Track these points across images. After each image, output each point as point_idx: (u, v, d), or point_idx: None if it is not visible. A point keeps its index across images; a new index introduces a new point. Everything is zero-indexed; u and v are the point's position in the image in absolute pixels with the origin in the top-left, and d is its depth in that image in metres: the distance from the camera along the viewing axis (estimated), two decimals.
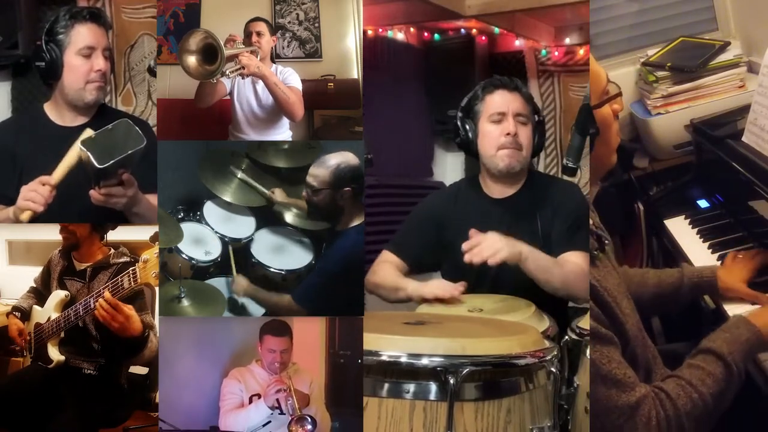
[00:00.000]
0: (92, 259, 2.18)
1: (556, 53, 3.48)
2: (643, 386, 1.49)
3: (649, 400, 1.47)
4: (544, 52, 3.50)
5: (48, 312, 2.14)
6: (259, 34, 2.43)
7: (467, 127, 2.27)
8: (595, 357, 1.47)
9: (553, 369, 1.55)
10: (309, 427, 1.88)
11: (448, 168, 3.78)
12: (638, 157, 2.88)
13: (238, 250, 2.35)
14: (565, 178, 2.11)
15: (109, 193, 1.84)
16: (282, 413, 1.92)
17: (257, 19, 2.46)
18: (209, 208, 2.41)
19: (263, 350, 2.03)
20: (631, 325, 1.61)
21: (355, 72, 2.67)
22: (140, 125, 1.88)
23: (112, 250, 2.18)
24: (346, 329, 2.14)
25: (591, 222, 1.70)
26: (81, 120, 2.07)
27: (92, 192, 1.83)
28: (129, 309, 1.95)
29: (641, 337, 1.67)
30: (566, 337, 1.76)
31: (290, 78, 2.45)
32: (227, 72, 2.31)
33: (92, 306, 2.00)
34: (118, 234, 2.21)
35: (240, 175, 2.42)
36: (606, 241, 1.70)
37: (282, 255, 2.36)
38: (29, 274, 2.35)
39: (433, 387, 1.44)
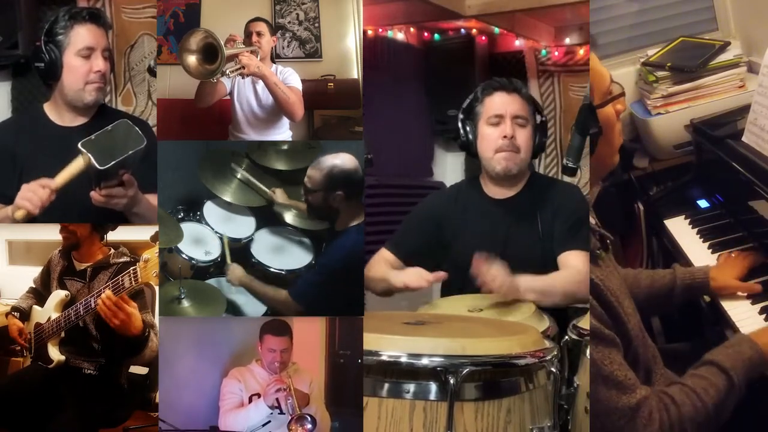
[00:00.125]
0: (92, 259, 2.18)
1: (556, 53, 3.48)
2: (644, 388, 1.50)
3: (650, 402, 1.47)
4: (544, 52, 3.50)
5: (48, 312, 2.14)
6: (259, 34, 2.43)
7: (468, 129, 2.28)
8: (596, 358, 1.47)
9: (553, 369, 1.55)
10: (309, 426, 1.88)
11: (448, 168, 3.78)
12: (638, 157, 2.88)
13: (236, 250, 2.35)
14: (565, 178, 2.12)
15: (110, 194, 1.84)
16: (282, 413, 1.92)
17: (257, 19, 2.46)
18: (209, 208, 2.41)
19: (263, 350, 2.03)
20: (633, 325, 1.61)
21: (355, 72, 2.67)
22: (140, 125, 1.88)
23: (112, 250, 2.18)
24: (346, 329, 2.14)
25: (594, 221, 1.70)
26: (81, 120, 2.07)
27: (93, 193, 1.83)
28: (132, 307, 1.95)
29: (642, 336, 1.67)
30: (566, 337, 1.76)
31: (290, 78, 2.45)
32: (227, 72, 2.31)
33: (93, 306, 2.00)
34: (118, 234, 2.21)
35: (240, 175, 2.41)
36: (608, 241, 1.70)
37: (282, 255, 2.36)
38: (29, 274, 2.35)
39: (433, 387, 1.44)
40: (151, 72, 2.65)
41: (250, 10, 2.53)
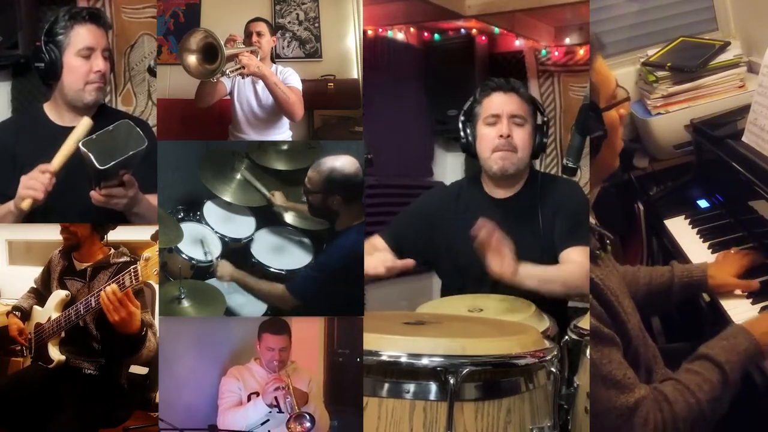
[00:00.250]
0: (92, 259, 2.18)
1: (556, 53, 3.48)
2: (643, 387, 1.50)
3: (648, 401, 1.47)
4: (544, 52, 3.50)
5: (48, 312, 2.15)
6: (259, 34, 2.43)
7: (467, 130, 2.28)
8: (595, 357, 1.47)
9: (553, 369, 1.55)
10: (307, 424, 1.88)
11: (448, 168, 3.78)
12: (638, 157, 2.88)
13: (236, 250, 2.35)
14: (566, 177, 2.12)
15: (110, 194, 1.84)
16: (280, 411, 1.92)
17: (257, 19, 2.46)
18: (209, 208, 2.41)
19: (262, 348, 2.03)
20: (632, 325, 1.61)
21: (355, 72, 2.67)
22: (140, 126, 1.88)
23: (113, 250, 2.18)
24: (345, 328, 2.14)
25: (593, 221, 1.70)
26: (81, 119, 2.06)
27: (93, 193, 1.84)
28: (135, 306, 1.94)
29: (642, 336, 1.68)
30: (566, 337, 1.76)
31: (290, 78, 2.45)
32: (227, 71, 2.31)
33: (93, 305, 2.00)
34: (119, 234, 2.21)
35: (239, 175, 2.41)
36: (608, 241, 1.70)
37: (282, 255, 2.36)
38: (29, 274, 2.35)
39: (433, 387, 1.44)
40: (151, 72, 2.65)
41: (250, 10, 2.53)
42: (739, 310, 1.91)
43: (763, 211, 2.12)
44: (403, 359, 1.44)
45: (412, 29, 3.56)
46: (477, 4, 3.13)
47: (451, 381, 1.41)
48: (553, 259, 2.14)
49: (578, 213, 2.12)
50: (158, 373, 2.03)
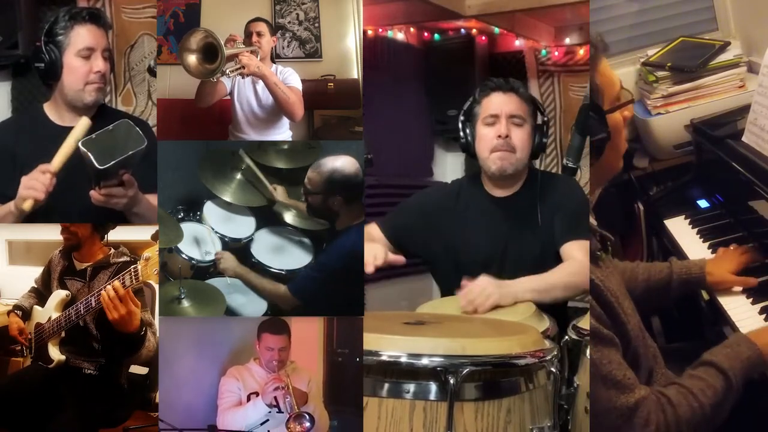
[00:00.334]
0: (92, 259, 2.18)
1: (556, 53, 3.48)
2: (643, 388, 1.50)
3: (648, 402, 1.47)
4: (544, 52, 3.50)
5: (49, 312, 2.15)
6: (259, 34, 2.43)
7: (467, 131, 2.28)
8: (595, 357, 1.47)
9: (553, 369, 1.55)
10: (307, 424, 1.88)
11: (448, 168, 3.78)
12: (638, 157, 2.88)
13: (236, 250, 2.34)
14: (564, 175, 2.12)
15: (110, 194, 1.84)
16: (280, 411, 1.92)
17: (257, 19, 2.46)
18: (209, 208, 2.41)
19: (261, 348, 2.03)
20: (632, 325, 1.61)
21: (355, 72, 2.67)
22: (140, 125, 1.88)
23: (113, 250, 2.18)
24: (344, 327, 2.14)
25: (594, 222, 1.70)
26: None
27: (92, 192, 1.84)
28: (136, 305, 1.94)
29: (642, 336, 1.67)
30: (566, 337, 1.76)
31: (290, 78, 2.45)
32: (227, 71, 2.31)
33: (93, 305, 2.00)
34: (119, 234, 2.21)
35: (245, 165, 2.40)
36: (609, 242, 1.70)
37: (282, 255, 2.36)
38: (29, 274, 2.35)
39: (433, 387, 1.44)
40: (151, 72, 2.65)
41: (250, 10, 2.53)
42: (739, 310, 1.91)
43: (763, 211, 2.12)
44: (403, 359, 1.44)
45: (412, 29, 3.56)
46: (477, 4, 3.13)
47: (451, 381, 1.41)
48: (552, 257, 2.14)
49: (578, 209, 2.12)
50: (158, 373, 2.03)
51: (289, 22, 2.69)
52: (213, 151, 2.44)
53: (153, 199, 2.02)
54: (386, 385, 1.46)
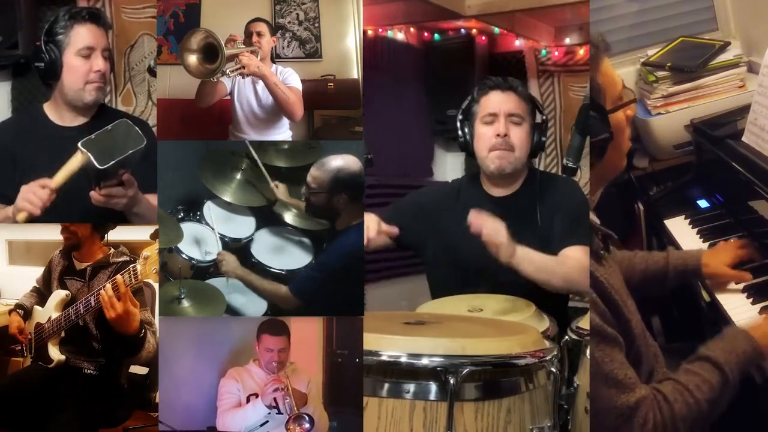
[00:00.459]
0: (92, 259, 2.18)
1: (556, 53, 3.48)
2: (644, 387, 1.50)
3: (648, 401, 1.47)
4: (544, 52, 3.50)
5: (49, 312, 2.15)
6: (259, 34, 2.43)
7: (465, 129, 2.28)
8: (597, 356, 1.47)
9: (553, 369, 1.55)
10: (307, 425, 1.88)
11: (448, 168, 3.78)
12: (638, 157, 2.88)
13: (236, 250, 2.34)
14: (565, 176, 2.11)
15: (110, 194, 1.84)
16: (279, 412, 1.92)
17: (257, 19, 2.46)
18: (209, 208, 2.41)
19: (261, 349, 2.03)
20: (635, 324, 1.61)
21: (355, 72, 2.67)
22: (140, 125, 1.88)
23: (112, 250, 2.18)
24: (344, 328, 2.14)
25: (597, 221, 1.70)
26: (81, 120, 2.07)
27: (92, 192, 1.83)
28: (134, 305, 1.94)
29: (644, 335, 1.68)
30: (566, 337, 1.76)
31: (290, 78, 2.45)
32: (227, 71, 2.31)
33: (93, 304, 2.00)
34: (119, 234, 2.21)
35: (245, 165, 2.40)
36: (611, 241, 1.70)
37: (282, 255, 2.36)
38: (29, 274, 2.35)
39: (433, 387, 1.44)
40: (151, 72, 2.65)
41: (250, 10, 2.53)
42: (739, 309, 1.91)
43: (763, 211, 2.12)
44: (403, 359, 1.44)
45: (412, 29, 3.56)
46: (477, 4, 3.13)
47: (451, 381, 1.41)
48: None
49: (577, 212, 2.12)
50: (158, 373, 2.03)
51: (289, 22, 2.69)
52: (213, 151, 2.44)
53: (153, 199, 2.01)
54: (386, 385, 1.46)
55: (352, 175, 2.09)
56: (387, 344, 1.47)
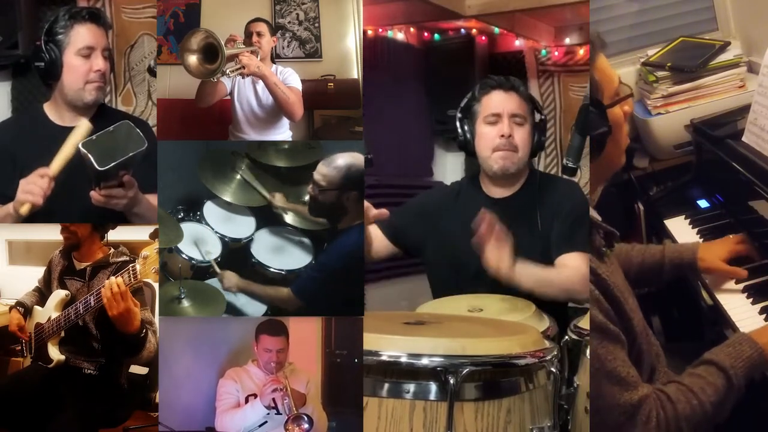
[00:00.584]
0: (92, 259, 2.18)
1: (556, 53, 3.48)
2: (646, 386, 1.50)
3: (650, 400, 1.47)
4: (544, 52, 3.50)
5: (48, 311, 2.15)
6: (259, 34, 2.43)
7: (465, 128, 2.28)
8: (600, 353, 1.47)
9: (553, 369, 1.55)
10: (306, 426, 1.88)
11: (448, 168, 3.78)
12: (638, 157, 2.88)
13: (236, 250, 2.35)
14: (565, 178, 2.11)
15: (110, 195, 1.84)
16: (278, 413, 1.92)
17: (257, 19, 2.46)
18: (209, 208, 2.41)
19: (259, 350, 2.03)
20: (637, 322, 1.61)
21: (355, 72, 2.67)
22: (140, 126, 1.88)
23: (112, 250, 2.19)
24: (343, 328, 2.14)
25: (599, 218, 1.70)
26: (80, 120, 2.06)
27: (93, 193, 1.83)
28: (135, 302, 1.94)
29: (646, 334, 1.68)
30: (566, 337, 1.76)
31: (290, 78, 2.45)
32: (228, 71, 2.32)
33: (92, 304, 2.00)
34: (118, 234, 2.21)
35: (240, 175, 2.41)
36: (613, 238, 1.70)
37: (282, 255, 2.36)
38: (29, 274, 2.36)
39: (433, 387, 1.44)
40: (151, 72, 2.65)
41: (250, 10, 2.53)
42: (739, 310, 1.91)
43: (763, 211, 2.12)
44: (403, 359, 1.44)
45: (412, 29, 3.56)
46: (477, 4, 3.12)
47: (451, 381, 1.41)
48: (551, 260, 2.13)
49: (577, 216, 2.11)
50: (158, 373, 2.03)
51: (289, 22, 2.69)
52: (213, 151, 2.44)
53: (153, 199, 2.01)
54: (386, 385, 1.46)
55: (360, 173, 2.09)
56: (387, 344, 1.47)
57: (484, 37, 3.57)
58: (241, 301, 2.23)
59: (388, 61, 3.46)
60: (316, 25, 2.70)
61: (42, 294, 2.26)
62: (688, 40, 2.84)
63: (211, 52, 2.26)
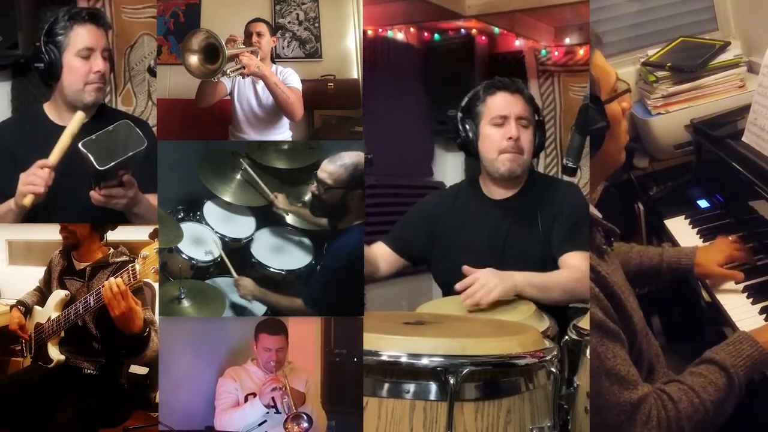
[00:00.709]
0: (92, 259, 2.18)
1: (556, 53, 3.48)
2: (646, 385, 1.50)
3: (650, 399, 1.47)
4: (544, 52, 3.50)
5: (48, 312, 2.15)
6: (259, 34, 2.43)
7: (467, 127, 2.27)
8: (600, 351, 1.47)
9: (553, 369, 1.55)
10: (305, 425, 1.88)
11: (448, 168, 3.78)
12: (638, 157, 2.88)
13: (236, 250, 2.35)
14: (565, 178, 2.12)
15: (110, 194, 1.84)
16: (278, 412, 1.92)
17: (257, 19, 2.46)
18: (209, 208, 2.41)
19: (259, 349, 2.03)
20: (637, 321, 1.61)
21: (355, 72, 2.67)
22: (140, 126, 1.88)
23: (112, 250, 2.19)
24: (342, 328, 2.14)
25: (599, 216, 1.70)
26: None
27: (92, 193, 1.84)
28: (136, 301, 1.94)
29: (645, 333, 1.68)
30: (566, 337, 1.76)
31: (290, 78, 2.45)
32: (228, 71, 2.32)
33: (92, 304, 2.00)
34: (118, 234, 2.21)
35: (241, 176, 2.41)
36: (613, 236, 1.70)
37: (282, 255, 2.36)
38: (29, 274, 2.36)
39: (433, 387, 1.44)
40: (151, 72, 2.65)
41: (250, 10, 2.53)
42: (739, 310, 1.91)
43: (763, 211, 2.12)
44: (403, 359, 1.44)
45: (412, 29, 3.56)
46: (477, 4, 3.12)
47: (451, 381, 1.41)
48: (551, 261, 2.14)
49: (577, 216, 2.11)
50: (158, 373, 2.03)
51: (289, 22, 2.69)
52: (213, 151, 2.44)
53: (153, 199, 2.02)
54: (386, 385, 1.46)
55: (362, 172, 2.09)
56: (387, 344, 1.47)
57: (484, 37, 3.57)
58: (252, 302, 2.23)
59: (388, 61, 3.46)
60: (316, 25, 2.70)
61: (43, 294, 2.26)
62: (688, 40, 2.84)
63: (212, 52, 2.26)
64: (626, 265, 2.00)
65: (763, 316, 1.86)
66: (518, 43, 3.53)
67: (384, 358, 1.45)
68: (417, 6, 3.26)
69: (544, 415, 1.53)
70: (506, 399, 1.47)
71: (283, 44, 2.68)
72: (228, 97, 2.49)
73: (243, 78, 2.43)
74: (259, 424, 1.92)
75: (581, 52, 3.40)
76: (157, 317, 2.12)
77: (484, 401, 1.45)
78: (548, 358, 1.54)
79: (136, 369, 2.23)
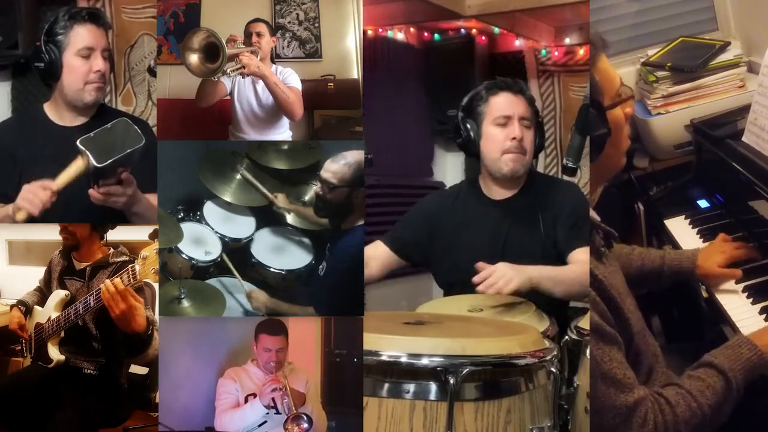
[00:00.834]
0: (92, 259, 2.18)
1: (556, 53, 3.48)
2: (642, 388, 1.50)
3: (647, 402, 1.47)
4: (544, 52, 3.50)
5: (48, 312, 2.15)
6: (259, 34, 2.43)
7: (468, 127, 2.26)
8: (596, 354, 1.47)
9: (553, 369, 1.55)
10: (305, 425, 1.88)
11: (448, 168, 3.78)
12: (638, 157, 2.88)
13: (236, 250, 2.34)
14: (565, 178, 2.11)
15: (108, 192, 1.84)
16: (278, 412, 1.92)
17: (257, 20, 2.46)
18: (209, 208, 2.41)
19: (259, 349, 2.03)
20: (634, 323, 1.61)
21: (355, 72, 2.67)
22: (139, 124, 1.88)
23: (112, 250, 2.19)
24: (342, 328, 2.14)
25: (598, 219, 1.70)
26: (80, 120, 2.07)
27: (91, 191, 1.83)
28: (137, 300, 1.94)
29: (643, 335, 1.68)
30: (566, 337, 1.76)
31: (290, 78, 2.45)
32: (228, 71, 2.32)
33: (92, 304, 2.00)
34: (118, 234, 2.21)
35: (240, 176, 2.41)
36: (612, 238, 1.70)
37: (282, 255, 2.36)
38: (29, 274, 2.36)
39: (433, 387, 1.44)
40: (151, 72, 2.65)
41: (250, 10, 2.53)
42: (739, 310, 1.91)
43: (763, 211, 2.11)
44: (403, 359, 1.44)
45: (412, 29, 3.56)
46: (477, 4, 3.12)
47: (451, 381, 1.41)
48: (552, 261, 2.13)
49: (579, 214, 2.12)
50: (158, 373, 2.03)
51: (289, 22, 2.69)
52: (213, 151, 2.44)
53: (153, 198, 2.01)
54: (386, 385, 1.46)
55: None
56: (387, 344, 1.47)
57: (484, 37, 3.57)
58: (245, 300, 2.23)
59: (388, 61, 3.46)
60: (316, 25, 2.70)
61: (43, 294, 2.26)
62: (688, 40, 2.84)
63: (212, 51, 2.26)
64: (627, 267, 2.00)
65: (763, 316, 1.85)
66: (518, 43, 3.53)
67: (384, 358, 1.45)
68: (417, 6, 3.26)
69: (544, 415, 1.53)
70: (506, 399, 1.47)
71: (283, 44, 2.68)
72: (228, 97, 2.49)
73: (243, 78, 2.43)
74: (260, 425, 1.92)
75: (581, 52, 3.40)
76: (157, 317, 2.12)
77: (484, 401, 1.45)
78: (548, 358, 1.54)
79: (136, 369, 2.23)
